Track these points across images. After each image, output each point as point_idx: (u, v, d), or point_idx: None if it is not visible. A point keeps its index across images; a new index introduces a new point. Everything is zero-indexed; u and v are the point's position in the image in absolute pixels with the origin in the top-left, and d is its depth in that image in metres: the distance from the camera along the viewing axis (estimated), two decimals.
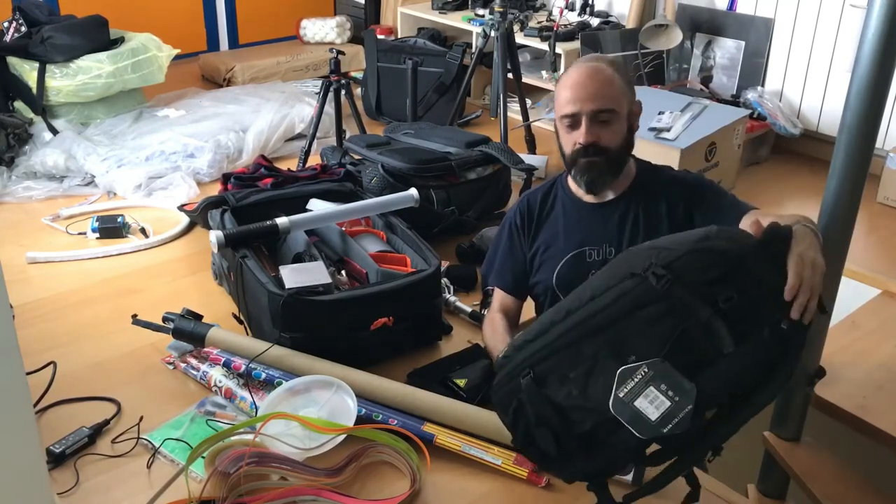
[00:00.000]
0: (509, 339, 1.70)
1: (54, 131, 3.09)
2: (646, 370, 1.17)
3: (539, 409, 1.25)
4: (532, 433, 1.27)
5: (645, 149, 2.57)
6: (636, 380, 1.18)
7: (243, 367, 1.66)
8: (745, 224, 1.31)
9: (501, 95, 3.13)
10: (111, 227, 2.49)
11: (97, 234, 2.48)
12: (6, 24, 3.27)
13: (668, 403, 1.16)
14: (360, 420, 1.54)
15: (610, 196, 1.76)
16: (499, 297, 1.87)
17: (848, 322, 2.25)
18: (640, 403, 1.17)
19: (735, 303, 1.16)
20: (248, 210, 2.15)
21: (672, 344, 1.17)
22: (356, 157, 2.60)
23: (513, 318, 1.86)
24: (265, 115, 3.20)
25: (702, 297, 1.17)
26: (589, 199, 1.77)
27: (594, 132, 1.67)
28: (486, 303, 2.09)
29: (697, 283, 1.17)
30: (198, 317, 1.83)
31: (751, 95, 3.33)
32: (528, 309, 2.05)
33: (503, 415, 1.33)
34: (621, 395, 1.18)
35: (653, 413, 1.17)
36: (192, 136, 3.06)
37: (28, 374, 1.65)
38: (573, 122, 1.69)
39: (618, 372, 1.18)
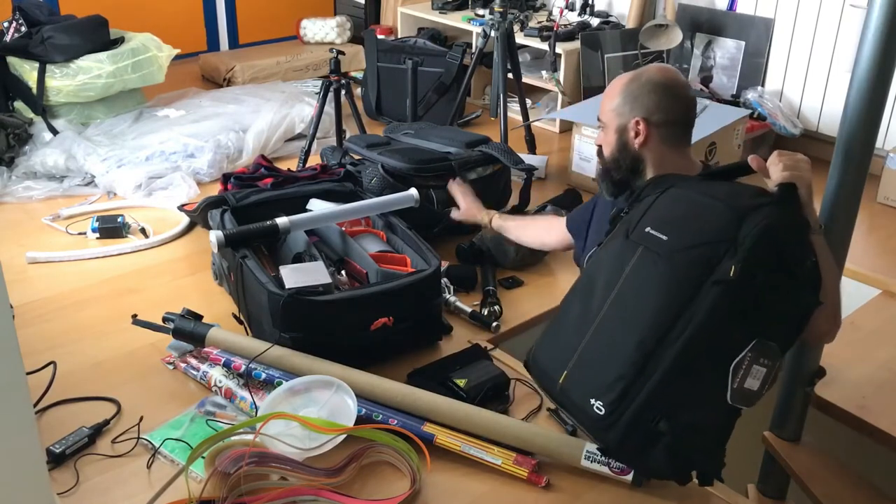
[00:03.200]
0: (514, 221, 2.21)
1: (54, 131, 3.08)
2: (750, 355, 1.27)
3: (686, 439, 1.30)
4: (673, 461, 1.32)
5: None
6: (744, 366, 1.27)
7: (243, 367, 1.66)
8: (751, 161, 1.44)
9: (501, 95, 3.13)
10: (111, 227, 2.49)
11: (97, 234, 2.48)
12: (6, 24, 3.27)
13: (763, 370, 1.28)
14: (360, 420, 1.54)
15: None
16: (561, 223, 2.10)
17: (848, 322, 2.25)
18: (749, 383, 1.28)
19: (809, 265, 1.31)
20: (248, 210, 2.15)
21: (762, 322, 1.28)
22: (356, 157, 2.60)
23: (551, 239, 2.16)
24: (265, 115, 3.20)
25: (780, 270, 1.28)
26: None
27: (599, 136, 1.79)
28: (486, 302, 2.09)
29: (771, 263, 1.28)
30: (198, 317, 1.83)
31: (751, 95, 3.32)
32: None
33: (636, 461, 1.38)
34: (735, 385, 1.28)
35: (755, 384, 1.28)
36: (192, 136, 3.05)
37: (28, 374, 1.65)
38: None
39: (731, 367, 1.27)
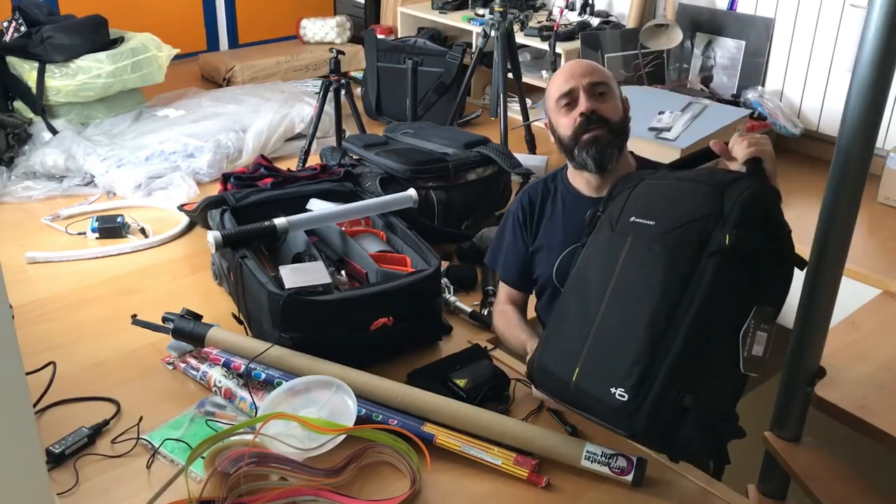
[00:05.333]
0: (525, 327, 1.78)
1: (54, 131, 3.08)
2: (753, 322, 1.29)
3: (711, 410, 1.29)
4: (705, 438, 1.30)
5: (645, 148, 2.57)
6: (750, 333, 1.29)
7: (243, 367, 1.66)
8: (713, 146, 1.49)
9: (501, 95, 3.13)
10: (111, 227, 2.49)
11: (97, 234, 2.48)
12: (6, 24, 3.27)
13: (765, 335, 1.30)
14: (360, 420, 1.54)
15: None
16: (505, 290, 1.90)
17: (848, 322, 2.25)
18: (755, 350, 1.29)
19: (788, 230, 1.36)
20: (247, 210, 2.15)
21: (759, 287, 1.30)
22: (355, 157, 2.60)
23: (521, 308, 1.89)
24: (265, 115, 3.20)
25: (768, 235, 1.32)
26: (589, 192, 1.78)
27: (594, 102, 1.71)
28: (486, 302, 2.09)
29: (760, 228, 1.32)
30: (197, 317, 1.83)
31: (751, 95, 3.32)
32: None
33: (667, 441, 1.34)
34: (745, 354, 1.29)
35: (760, 350, 1.29)
36: (191, 136, 3.06)
37: (28, 374, 1.65)
38: (570, 99, 1.72)
39: (740, 336, 1.28)
